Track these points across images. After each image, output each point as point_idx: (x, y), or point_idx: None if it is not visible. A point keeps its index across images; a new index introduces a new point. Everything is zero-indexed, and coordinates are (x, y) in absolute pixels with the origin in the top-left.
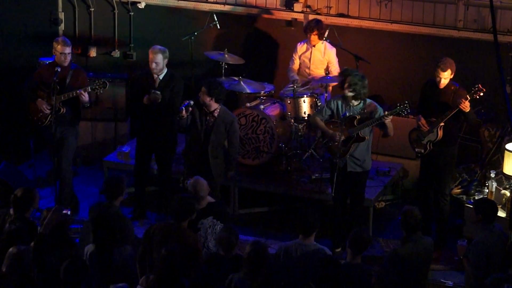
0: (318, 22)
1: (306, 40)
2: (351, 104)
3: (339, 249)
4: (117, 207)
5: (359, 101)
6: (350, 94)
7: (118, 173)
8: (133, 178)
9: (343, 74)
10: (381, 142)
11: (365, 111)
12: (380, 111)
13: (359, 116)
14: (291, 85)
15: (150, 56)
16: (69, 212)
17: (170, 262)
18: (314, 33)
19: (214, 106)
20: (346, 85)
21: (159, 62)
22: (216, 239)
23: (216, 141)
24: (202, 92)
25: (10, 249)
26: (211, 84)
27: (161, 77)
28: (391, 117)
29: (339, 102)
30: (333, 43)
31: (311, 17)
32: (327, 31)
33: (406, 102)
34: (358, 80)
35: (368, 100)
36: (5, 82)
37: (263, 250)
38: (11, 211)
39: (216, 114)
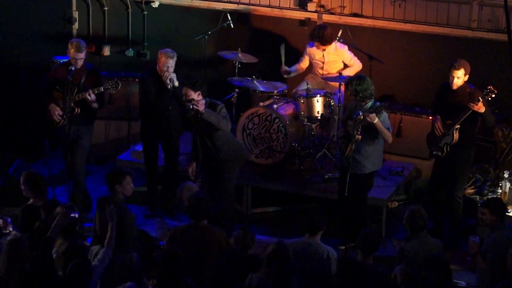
0: (320, 31)
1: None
2: (361, 105)
3: (342, 247)
4: (120, 199)
5: (368, 102)
6: (357, 99)
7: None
8: (145, 177)
9: (345, 86)
10: (394, 142)
11: (371, 111)
12: (381, 115)
13: (362, 115)
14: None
15: (163, 59)
16: (77, 215)
17: (170, 263)
18: (316, 43)
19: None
20: (349, 94)
21: (172, 66)
22: (232, 239)
23: (213, 131)
24: (188, 91)
25: (9, 237)
26: (192, 80)
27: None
28: (372, 115)
29: (353, 104)
30: (346, 43)
31: (325, 16)
32: (340, 31)
33: (385, 104)
34: (356, 85)
35: (377, 103)
36: (20, 80)
37: (285, 251)
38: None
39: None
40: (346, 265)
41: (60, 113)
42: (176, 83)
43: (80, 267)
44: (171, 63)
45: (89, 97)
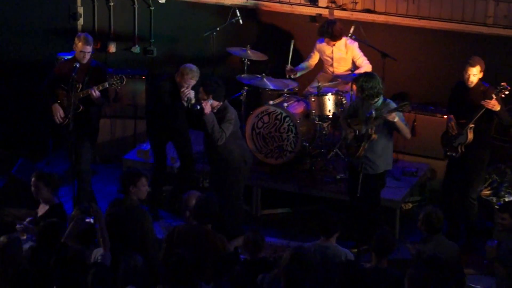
0: (329, 26)
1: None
2: (370, 103)
3: (355, 250)
4: (134, 201)
5: (375, 100)
6: (363, 96)
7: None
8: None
9: (352, 82)
10: (408, 141)
11: (382, 109)
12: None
13: (375, 114)
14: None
15: (187, 76)
16: (92, 221)
17: (181, 269)
18: (325, 40)
19: (214, 104)
20: (356, 92)
21: (191, 85)
22: (243, 242)
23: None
24: (201, 91)
25: (1, 238)
26: (207, 82)
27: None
28: (393, 114)
29: (360, 102)
30: (358, 39)
31: (336, 12)
32: (352, 27)
33: (407, 101)
34: (363, 81)
35: (387, 100)
36: (23, 78)
37: (304, 257)
38: None
39: (215, 111)
40: (346, 269)
41: (62, 115)
42: (193, 101)
43: (100, 274)
44: (193, 82)
45: (93, 94)
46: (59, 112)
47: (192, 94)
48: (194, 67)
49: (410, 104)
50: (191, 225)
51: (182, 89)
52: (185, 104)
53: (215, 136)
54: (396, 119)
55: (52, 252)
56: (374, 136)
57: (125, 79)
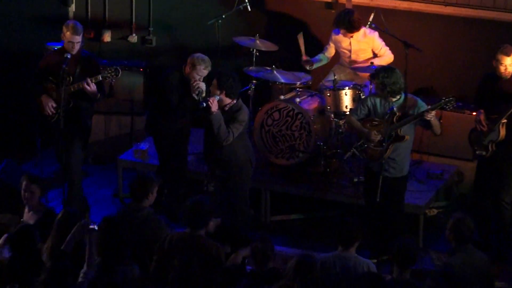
0: (346, 16)
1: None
2: (389, 100)
3: (375, 260)
4: (146, 210)
5: (397, 97)
6: (384, 94)
7: (147, 172)
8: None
9: (370, 78)
10: (433, 141)
11: (406, 107)
12: (421, 106)
13: (399, 113)
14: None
15: (198, 67)
16: (96, 227)
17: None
18: (342, 31)
19: (226, 101)
20: (376, 88)
21: (203, 76)
22: (250, 251)
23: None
24: (213, 85)
25: None
26: (222, 76)
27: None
28: (433, 112)
29: (377, 100)
30: (378, 28)
31: None
32: (372, 14)
33: (452, 96)
34: (383, 77)
35: (409, 95)
36: (9, 70)
37: (312, 265)
38: None
39: (226, 109)
40: (369, 281)
41: (54, 105)
42: (203, 95)
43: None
44: (204, 72)
45: (88, 87)
46: (50, 102)
47: (203, 86)
48: (206, 57)
49: (455, 100)
50: (183, 233)
51: (193, 81)
52: (196, 97)
53: (221, 137)
54: (433, 118)
55: (30, 261)
56: (406, 137)
57: (120, 71)
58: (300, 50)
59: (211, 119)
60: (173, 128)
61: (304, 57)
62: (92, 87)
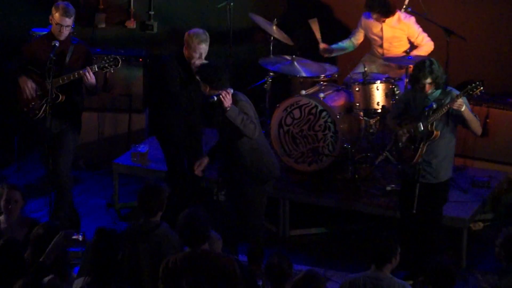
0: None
1: None
2: (427, 94)
3: (410, 281)
4: (164, 226)
5: (435, 89)
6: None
7: (156, 180)
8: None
9: (411, 77)
10: (479, 143)
11: (443, 100)
12: (453, 96)
13: (435, 106)
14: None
15: (194, 43)
16: (81, 238)
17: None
18: (374, 15)
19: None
20: (422, 87)
21: (205, 52)
22: (265, 267)
23: (233, 135)
24: (204, 85)
25: None
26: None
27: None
28: (460, 100)
29: (415, 94)
30: (414, 12)
31: None
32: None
33: (480, 80)
34: (437, 70)
35: (448, 88)
36: None
37: (319, 283)
38: None
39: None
40: None
41: (34, 86)
42: None
43: None
44: (204, 48)
45: (87, 78)
46: (29, 84)
47: (205, 63)
48: (200, 30)
49: (483, 86)
50: (186, 252)
51: (193, 60)
52: (198, 77)
53: (248, 130)
54: (463, 108)
55: (14, 278)
56: (436, 133)
57: (120, 61)
58: (316, 38)
59: (229, 116)
60: (180, 125)
61: (322, 45)
62: (91, 77)
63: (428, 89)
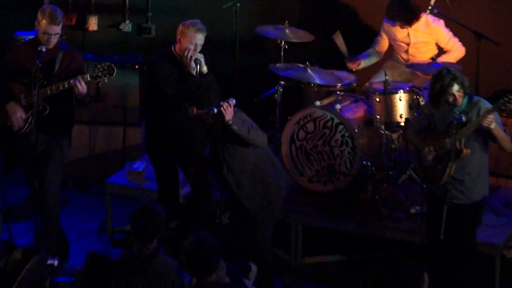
0: (401, 4)
1: None
2: (451, 106)
3: None
4: (162, 255)
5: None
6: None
7: (151, 202)
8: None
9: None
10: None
11: (470, 112)
12: (484, 108)
13: (465, 118)
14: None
15: (189, 34)
16: (56, 263)
17: None
18: (397, 24)
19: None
20: (452, 99)
21: (200, 44)
22: None
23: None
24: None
25: None
26: None
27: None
28: (491, 117)
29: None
30: (441, 14)
31: None
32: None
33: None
34: (453, 76)
35: (475, 97)
36: None
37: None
38: None
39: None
40: None
41: (24, 115)
42: (204, 68)
43: None
44: (201, 39)
45: (79, 88)
46: (18, 113)
47: (200, 56)
48: (194, 20)
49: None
50: (191, 285)
51: (187, 53)
52: (193, 71)
53: (257, 138)
54: (493, 125)
55: None
56: (466, 151)
57: (115, 70)
58: (339, 52)
59: (235, 130)
60: (175, 133)
61: (348, 57)
62: (83, 87)
63: (459, 98)
